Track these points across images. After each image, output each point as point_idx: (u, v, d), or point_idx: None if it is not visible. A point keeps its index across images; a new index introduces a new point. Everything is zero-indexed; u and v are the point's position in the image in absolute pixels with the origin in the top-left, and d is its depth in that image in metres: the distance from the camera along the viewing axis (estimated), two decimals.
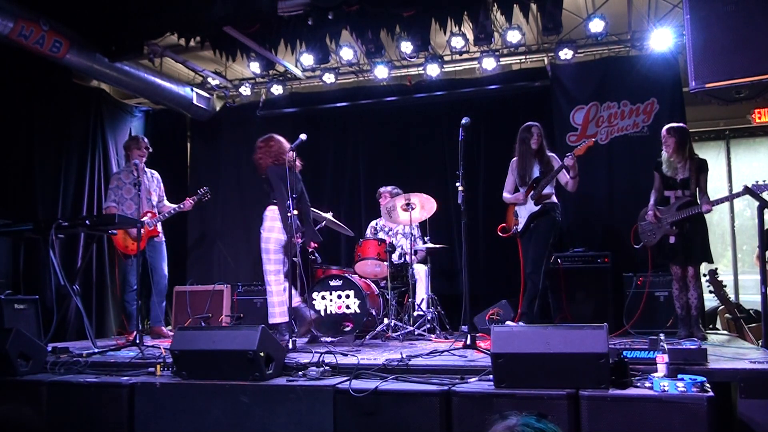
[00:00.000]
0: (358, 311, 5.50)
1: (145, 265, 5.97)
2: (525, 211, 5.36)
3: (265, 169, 5.15)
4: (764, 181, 4.67)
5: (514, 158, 5.52)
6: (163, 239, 6.21)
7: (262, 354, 3.54)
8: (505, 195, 5.57)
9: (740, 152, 7.88)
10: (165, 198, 6.36)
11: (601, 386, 3.02)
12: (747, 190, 4.39)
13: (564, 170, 5.29)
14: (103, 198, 5.49)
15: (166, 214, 6.15)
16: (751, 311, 5.68)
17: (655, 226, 5.13)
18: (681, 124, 5.25)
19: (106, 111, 7.47)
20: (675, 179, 5.07)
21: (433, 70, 7.14)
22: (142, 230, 5.81)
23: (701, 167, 5.04)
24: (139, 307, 6.11)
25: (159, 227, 6.13)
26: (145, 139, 6.22)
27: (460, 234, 4.68)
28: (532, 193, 5.31)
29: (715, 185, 7.75)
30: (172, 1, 5.96)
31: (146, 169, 6.19)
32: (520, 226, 5.39)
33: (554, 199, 5.36)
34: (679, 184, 5.04)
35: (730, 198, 5.04)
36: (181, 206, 6.19)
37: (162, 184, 6.38)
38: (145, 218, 5.89)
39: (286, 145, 5.15)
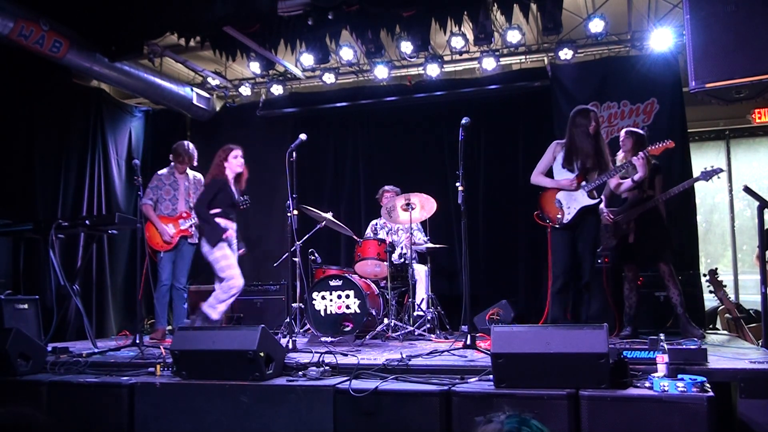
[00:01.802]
0: (358, 311, 5.49)
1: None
2: (576, 203, 4.76)
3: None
4: (712, 166, 4.95)
5: (557, 141, 5.00)
6: (195, 242, 5.98)
7: (262, 354, 3.54)
8: (540, 178, 4.95)
9: (740, 152, 7.88)
10: None
11: (601, 386, 3.02)
12: (746, 190, 4.40)
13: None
14: (140, 195, 5.51)
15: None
16: (751, 311, 5.69)
17: (611, 227, 5.16)
18: (639, 130, 5.37)
19: (106, 111, 7.48)
20: (634, 180, 5.09)
21: (433, 70, 7.14)
22: (174, 231, 5.85)
23: (657, 170, 5.14)
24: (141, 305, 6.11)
25: (193, 229, 5.95)
26: (192, 153, 6.05)
27: (460, 234, 4.66)
28: (584, 184, 4.75)
29: (716, 185, 7.74)
30: (172, 1, 5.96)
31: (189, 172, 6.11)
32: (569, 217, 4.76)
33: None
34: (636, 184, 5.06)
35: (684, 188, 5.05)
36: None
37: (203, 188, 6.10)
38: (181, 220, 5.90)
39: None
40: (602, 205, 5.05)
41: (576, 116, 4.87)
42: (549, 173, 4.95)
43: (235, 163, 5.41)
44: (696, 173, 6.11)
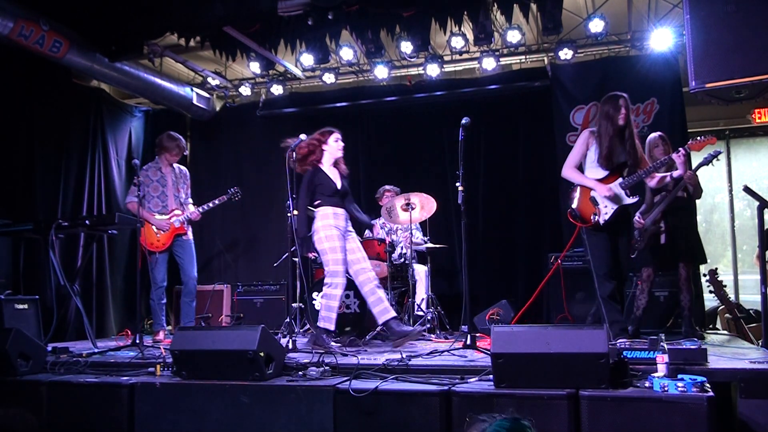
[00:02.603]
0: (358, 311, 5.49)
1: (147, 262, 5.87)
2: (612, 202, 4.42)
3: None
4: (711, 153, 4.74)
5: (587, 129, 4.60)
6: (191, 238, 5.96)
7: (262, 354, 3.53)
8: (572, 173, 4.57)
9: (740, 152, 7.88)
10: (189, 197, 6.10)
11: (601, 386, 3.02)
12: (746, 190, 4.39)
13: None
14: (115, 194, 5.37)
15: (200, 212, 5.92)
16: (751, 311, 5.68)
17: (642, 231, 5.08)
18: (664, 133, 5.27)
19: (106, 111, 7.48)
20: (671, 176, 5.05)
21: (433, 70, 7.14)
22: (168, 228, 5.75)
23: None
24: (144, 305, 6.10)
25: (186, 225, 5.89)
26: (182, 141, 5.98)
27: (460, 234, 4.66)
28: (621, 181, 4.41)
29: (716, 185, 7.76)
30: (172, 1, 5.96)
31: (175, 165, 6.01)
32: (605, 217, 4.40)
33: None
34: (669, 187, 5.02)
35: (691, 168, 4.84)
36: (212, 204, 5.95)
37: (189, 181, 6.13)
38: (174, 218, 5.80)
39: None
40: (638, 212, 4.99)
41: (603, 105, 4.48)
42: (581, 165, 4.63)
43: (335, 147, 4.90)
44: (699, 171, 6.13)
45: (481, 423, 1.54)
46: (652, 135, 5.23)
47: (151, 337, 5.72)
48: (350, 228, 4.95)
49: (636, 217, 5.01)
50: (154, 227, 5.76)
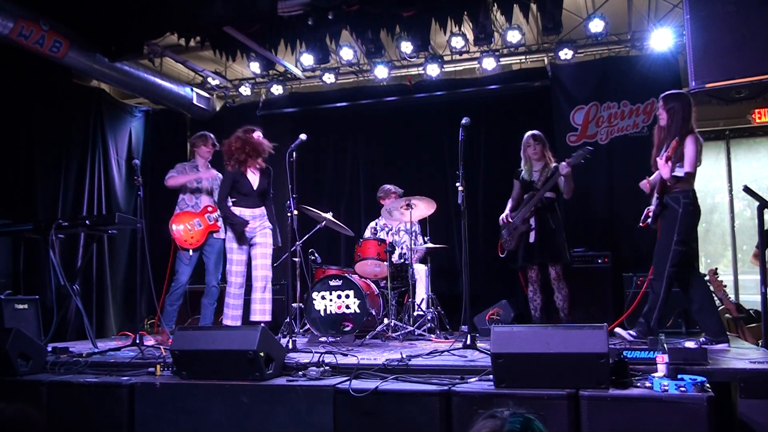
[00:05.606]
0: (358, 311, 5.49)
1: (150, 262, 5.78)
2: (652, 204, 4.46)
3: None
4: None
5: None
6: (223, 236, 5.77)
7: (262, 354, 3.54)
8: None
9: (740, 152, 7.87)
10: None
11: (601, 386, 3.02)
12: (746, 190, 4.39)
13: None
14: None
15: None
16: (751, 311, 5.68)
17: (510, 229, 5.31)
18: (539, 132, 5.48)
19: (106, 111, 7.48)
20: (534, 182, 5.34)
21: (433, 70, 7.14)
22: (201, 225, 5.66)
23: (557, 171, 5.23)
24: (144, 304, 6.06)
25: (220, 222, 5.76)
26: (212, 137, 5.98)
27: (460, 234, 4.67)
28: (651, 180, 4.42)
29: (716, 185, 7.76)
30: (172, 1, 5.96)
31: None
32: (649, 220, 4.43)
33: (678, 188, 4.27)
34: (538, 185, 5.28)
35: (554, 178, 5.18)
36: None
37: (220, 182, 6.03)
38: (206, 214, 5.73)
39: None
40: (506, 210, 5.43)
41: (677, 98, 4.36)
42: None
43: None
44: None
45: (491, 420, 1.52)
46: (527, 134, 5.45)
47: (153, 337, 5.67)
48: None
49: (503, 215, 5.35)
50: (187, 224, 5.65)
